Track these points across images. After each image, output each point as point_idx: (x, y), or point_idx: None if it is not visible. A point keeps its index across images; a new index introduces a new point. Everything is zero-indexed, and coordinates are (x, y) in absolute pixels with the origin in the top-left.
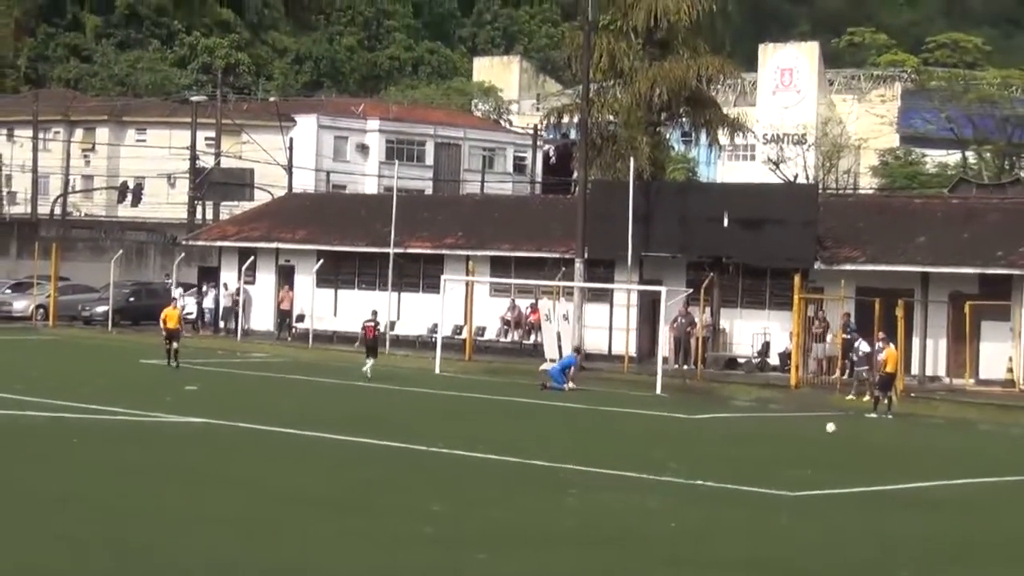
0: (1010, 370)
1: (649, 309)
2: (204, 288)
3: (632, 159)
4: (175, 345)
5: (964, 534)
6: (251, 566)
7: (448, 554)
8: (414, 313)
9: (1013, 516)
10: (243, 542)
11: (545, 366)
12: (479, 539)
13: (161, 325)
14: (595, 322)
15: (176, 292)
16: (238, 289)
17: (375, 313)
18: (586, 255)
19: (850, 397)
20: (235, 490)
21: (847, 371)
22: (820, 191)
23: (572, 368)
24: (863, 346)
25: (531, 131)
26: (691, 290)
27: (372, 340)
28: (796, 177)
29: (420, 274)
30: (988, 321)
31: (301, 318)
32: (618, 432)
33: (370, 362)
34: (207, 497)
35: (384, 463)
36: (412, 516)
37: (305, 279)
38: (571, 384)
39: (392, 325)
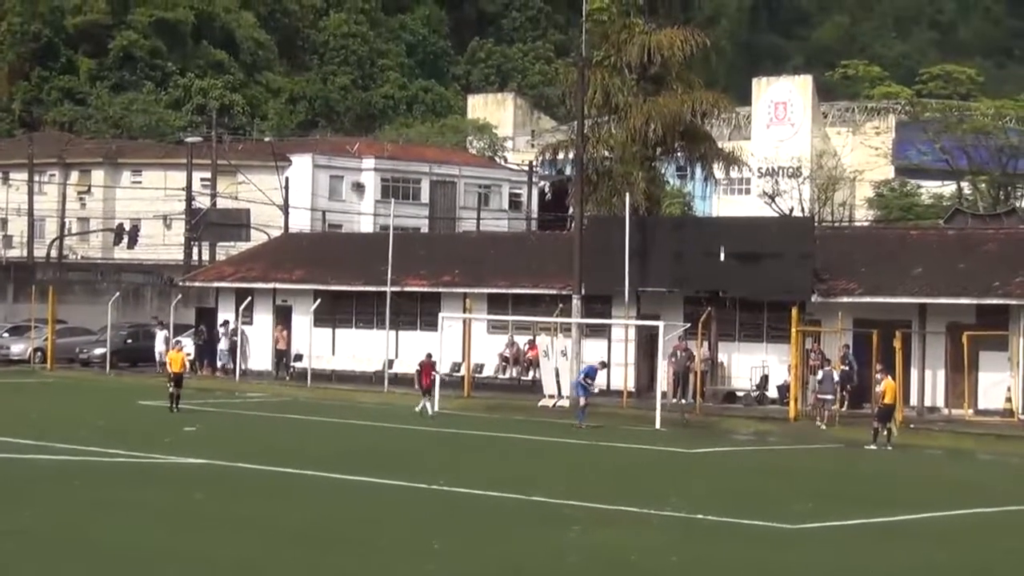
0: (1008, 400)
1: (647, 344)
2: (215, 329)
3: (628, 194)
4: (179, 390)
5: (969, 564)
6: None
7: None
8: (411, 351)
9: (1018, 545)
10: None
11: (544, 402)
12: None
13: (167, 367)
14: (593, 358)
15: (160, 334)
16: (235, 330)
17: (429, 355)
18: (583, 291)
19: (819, 423)
20: (235, 530)
21: (844, 403)
22: (816, 224)
23: (590, 382)
24: (826, 371)
25: (526, 168)
26: (688, 324)
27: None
28: (792, 210)
29: (417, 312)
30: (986, 351)
31: (299, 357)
32: (618, 467)
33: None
34: (206, 538)
35: (385, 501)
36: (413, 554)
37: (302, 319)
38: (582, 422)
39: (390, 363)
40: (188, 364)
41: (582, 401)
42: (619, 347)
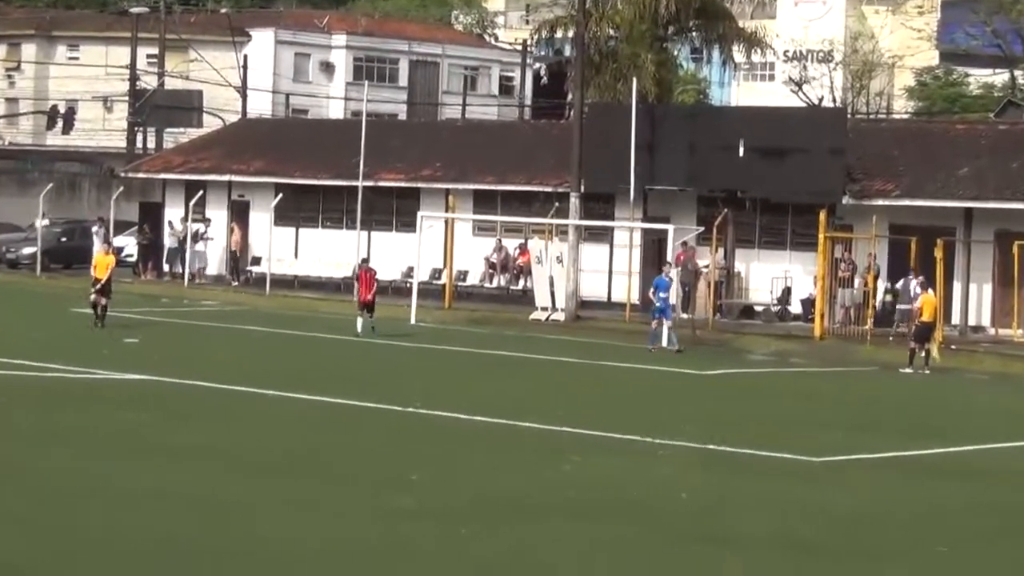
0: None
1: (654, 250)
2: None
3: (635, 79)
4: (104, 301)
5: (1010, 505)
6: (203, 543)
7: (429, 529)
8: (386, 255)
9: None
10: (196, 517)
11: (536, 315)
12: (464, 512)
13: (92, 271)
14: (593, 265)
15: (96, 230)
16: (184, 228)
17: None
18: (582, 189)
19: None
20: (182, 458)
21: (874, 320)
22: (849, 116)
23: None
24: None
25: (519, 47)
26: (702, 228)
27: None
28: (821, 100)
29: (393, 211)
30: None
31: (257, 261)
32: (621, 390)
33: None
34: (153, 467)
35: (355, 426)
36: (388, 486)
37: (262, 216)
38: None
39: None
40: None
41: (664, 323)
42: (622, 253)
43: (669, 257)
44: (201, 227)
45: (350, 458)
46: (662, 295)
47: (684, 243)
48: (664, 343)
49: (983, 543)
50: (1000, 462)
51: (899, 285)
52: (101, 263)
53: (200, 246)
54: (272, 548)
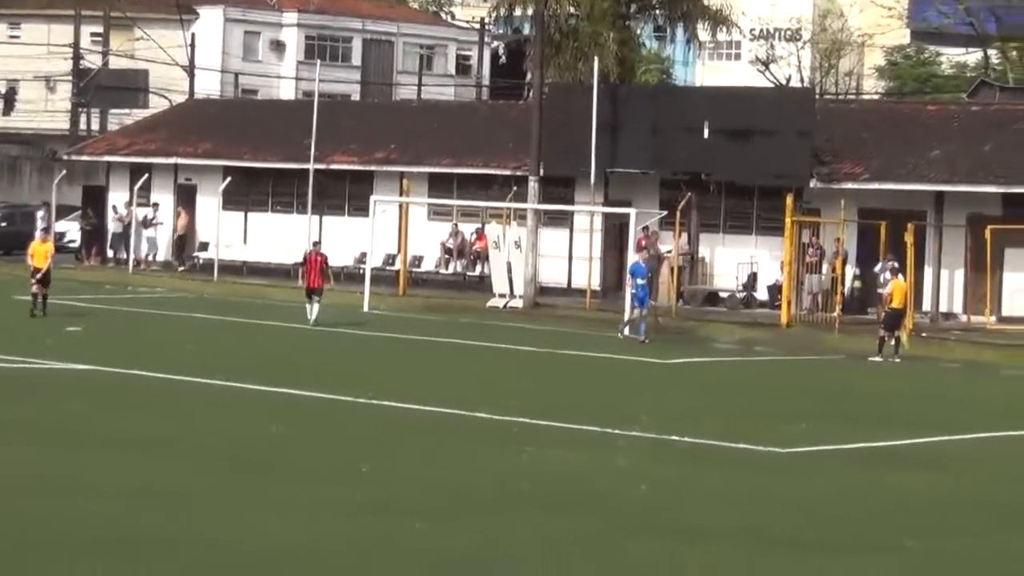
0: None
1: (616, 235)
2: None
3: (596, 58)
4: (45, 291)
5: (979, 497)
6: (148, 538)
7: (381, 522)
8: (339, 240)
9: None
10: (140, 510)
11: (494, 302)
12: (417, 505)
13: (29, 260)
14: (552, 251)
15: (42, 216)
16: (129, 213)
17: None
18: (541, 172)
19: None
20: (126, 451)
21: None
22: (817, 96)
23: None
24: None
25: (477, 25)
26: (665, 212)
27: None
28: (789, 80)
29: (345, 195)
30: (1013, 248)
31: (205, 247)
32: (580, 379)
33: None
34: (93, 460)
35: (305, 417)
36: (339, 479)
37: (209, 200)
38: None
39: None
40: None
41: (637, 312)
42: (583, 238)
43: (631, 242)
44: (150, 212)
45: (300, 450)
46: (639, 282)
47: (646, 228)
48: (628, 330)
49: (953, 536)
50: (971, 453)
51: (876, 269)
52: (39, 252)
53: (150, 232)
54: (217, 543)
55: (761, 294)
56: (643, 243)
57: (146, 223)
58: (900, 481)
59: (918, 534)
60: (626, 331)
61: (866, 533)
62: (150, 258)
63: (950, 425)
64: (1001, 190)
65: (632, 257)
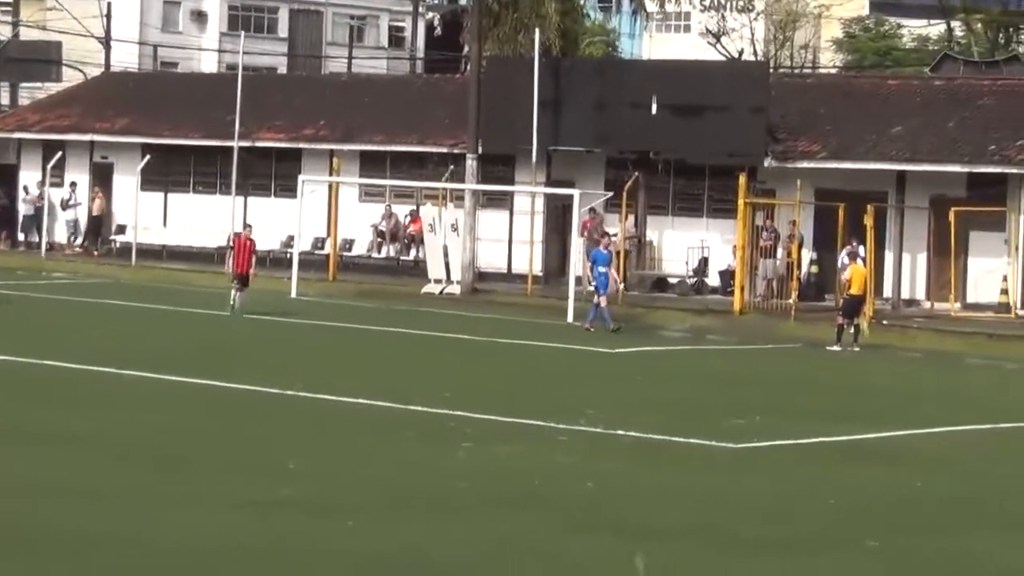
0: (1004, 292)
1: (558, 217)
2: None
3: (537, 30)
4: None
5: (943, 495)
6: (60, 537)
7: (309, 521)
8: (265, 222)
9: (1002, 471)
10: (52, 508)
11: (429, 288)
12: (347, 503)
13: None
14: (491, 234)
15: None
16: (41, 194)
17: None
18: (480, 150)
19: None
20: (34, 446)
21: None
22: (771, 70)
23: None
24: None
25: None
26: (611, 193)
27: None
28: (741, 53)
29: (272, 174)
30: (978, 232)
31: (122, 229)
32: (521, 370)
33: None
34: (3, 454)
35: (230, 410)
36: (264, 475)
37: (127, 180)
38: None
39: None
40: None
41: (601, 299)
42: (523, 221)
43: (575, 224)
44: (67, 192)
45: (223, 445)
46: (600, 269)
47: (592, 210)
48: (572, 318)
49: (915, 536)
50: (934, 448)
51: (847, 250)
52: None
53: (70, 214)
54: (133, 541)
55: (713, 280)
56: (588, 226)
57: (64, 205)
58: (860, 478)
59: (879, 533)
60: (610, 325)
61: (824, 532)
62: (73, 242)
63: (912, 418)
64: (966, 169)
65: (577, 241)
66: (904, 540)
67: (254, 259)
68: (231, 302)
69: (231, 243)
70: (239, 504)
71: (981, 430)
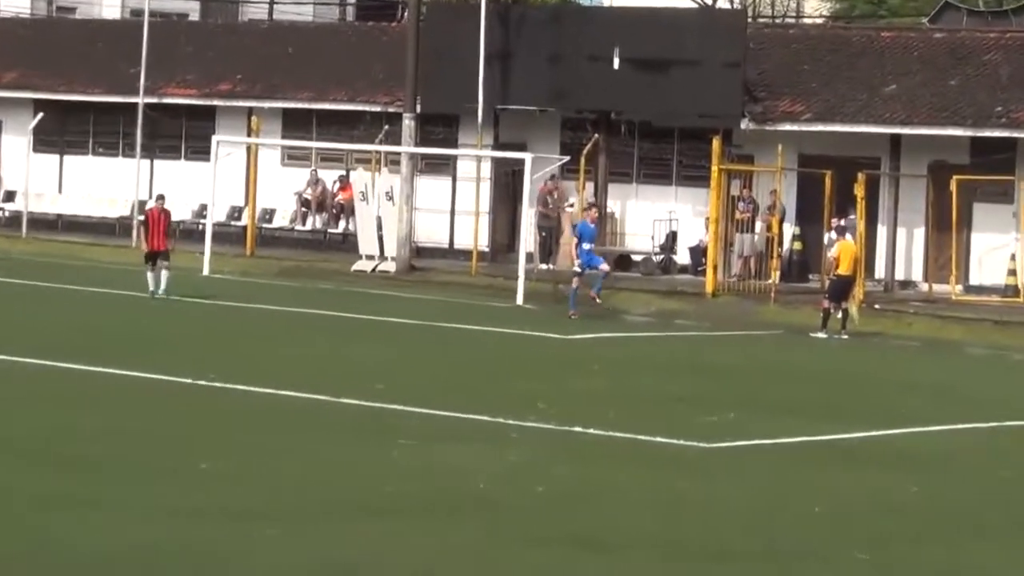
0: (1012, 272)
1: (508, 185)
2: None
3: None
4: None
5: (940, 501)
6: None
7: (225, 529)
8: (174, 189)
9: (1006, 475)
10: None
11: (360, 265)
12: (269, 508)
13: None
14: (431, 204)
15: None
16: None
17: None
18: (419, 108)
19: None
20: None
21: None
22: (749, 20)
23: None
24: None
25: None
26: (567, 158)
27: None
28: (715, 0)
29: (182, 134)
30: (982, 203)
31: (11, 196)
32: (465, 359)
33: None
34: None
35: (134, 403)
36: (175, 477)
37: (17, 140)
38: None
39: (141, 206)
40: None
41: (576, 281)
42: (468, 189)
43: (526, 193)
44: None
45: (127, 443)
46: (585, 246)
47: (554, 177)
48: (521, 299)
49: (910, 547)
50: (931, 448)
51: (843, 223)
52: None
53: None
54: (30, 553)
55: (682, 257)
56: (552, 194)
57: None
58: (848, 482)
59: (870, 545)
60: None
61: (808, 544)
62: None
63: (906, 415)
64: (969, 133)
65: (528, 212)
66: (897, 552)
67: (170, 235)
68: (150, 286)
69: (145, 217)
70: (146, 510)
71: (983, 429)
